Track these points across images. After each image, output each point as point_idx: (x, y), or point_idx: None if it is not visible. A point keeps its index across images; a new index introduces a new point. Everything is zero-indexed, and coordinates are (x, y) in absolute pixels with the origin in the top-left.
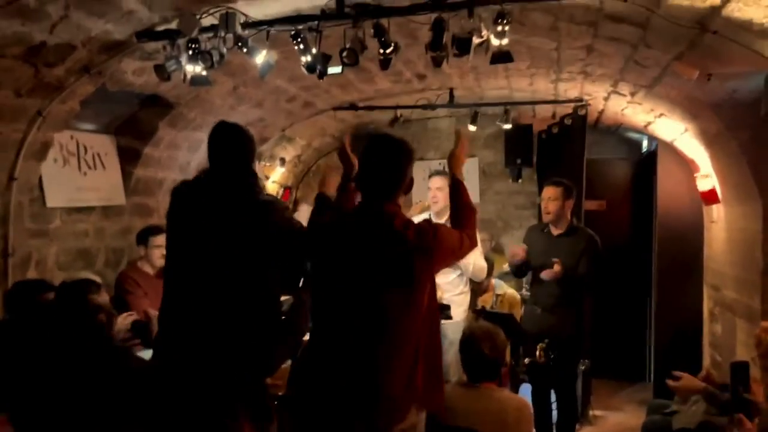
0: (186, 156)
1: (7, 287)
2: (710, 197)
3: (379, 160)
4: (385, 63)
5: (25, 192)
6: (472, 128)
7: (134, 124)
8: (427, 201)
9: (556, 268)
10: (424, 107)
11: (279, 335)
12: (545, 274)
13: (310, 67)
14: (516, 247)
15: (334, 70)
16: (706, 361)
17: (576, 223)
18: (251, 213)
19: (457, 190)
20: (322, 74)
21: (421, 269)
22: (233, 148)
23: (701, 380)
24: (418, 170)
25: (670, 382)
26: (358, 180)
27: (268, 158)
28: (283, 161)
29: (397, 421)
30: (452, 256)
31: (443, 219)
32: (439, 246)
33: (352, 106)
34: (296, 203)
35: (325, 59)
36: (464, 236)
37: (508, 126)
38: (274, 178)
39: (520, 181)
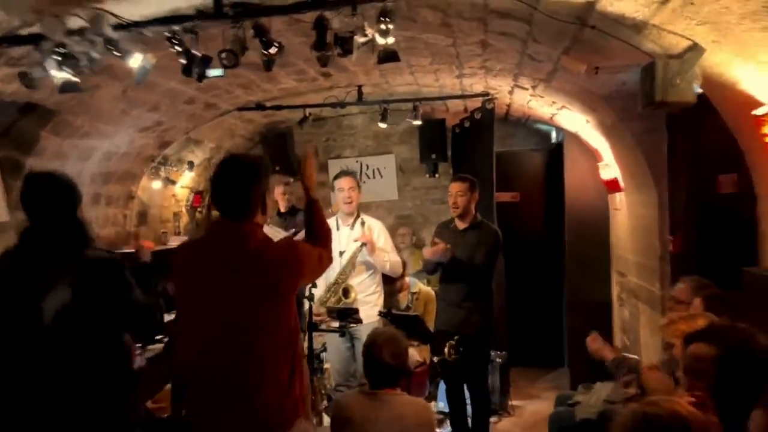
0: (76, 166)
1: None
2: (613, 186)
3: (226, 181)
4: (267, 64)
5: None
6: (382, 125)
7: (14, 134)
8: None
9: (440, 246)
10: (332, 105)
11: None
12: (427, 252)
13: (187, 70)
14: (440, 245)
15: (215, 72)
16: (617, 345)
17: (480, 217)
18: (81, 276)
19: (312, 208)
20: (201, 77)
21: (284, 285)
22: (51, 202)
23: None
24: (335, 168)
25: (589, 340)
26: (212, 200)
27: (175, 162)
28: (191, 165)
29: (285, 429)
30: (315, 272)
31: (351, 220)
32: (301, 262)
33: (259, 106)
34: (209, 208)
35: (204, 61)
36: (323, 255)
37: (418, 122)
38: (182, 183)
39: (436, 175)
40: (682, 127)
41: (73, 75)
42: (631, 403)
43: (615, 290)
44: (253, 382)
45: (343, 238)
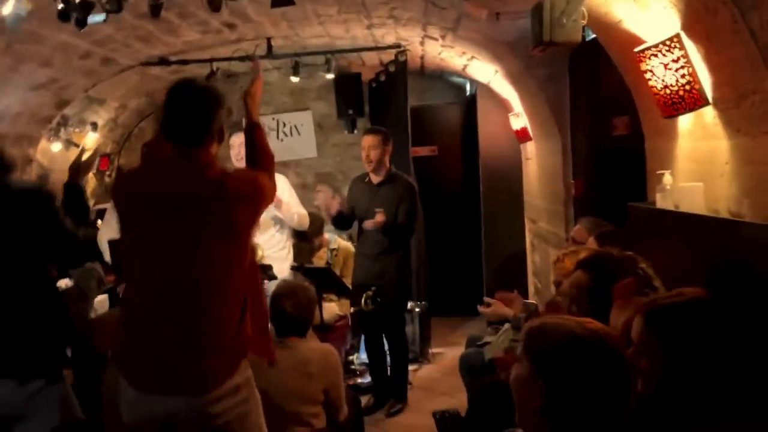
0: None
1: None
2: (523, 135)
3: (184, 103)
4: (155, 9)
5: None
6: (294, 79)
7: None
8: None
9: (378, 218)
10: (241, 59)
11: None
12: (367, 224)
13: (63, 15)
14: (328, 200)
15: (97, 18)
16: (531, 289)
17: (394, 170)
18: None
19: (252, 132)
20: (81, 23)
21: (244, 218)
22: None
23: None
24: None
25: (483, 309)
26: (164, 128)
27: (77, 123)
28: (95, 126)
29: (230, 373)
30: (268, 202)
31: None
32: (261, 192)
33: (162, 61)
34: (119, 171)
35: (84, 5)
36: (271, 180)
37: (331, 76)
38: (87, 145)
39: (355, 131)
40: (582, 72)
41: None
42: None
43: (528, 237)
44: (201, 328)
45: None
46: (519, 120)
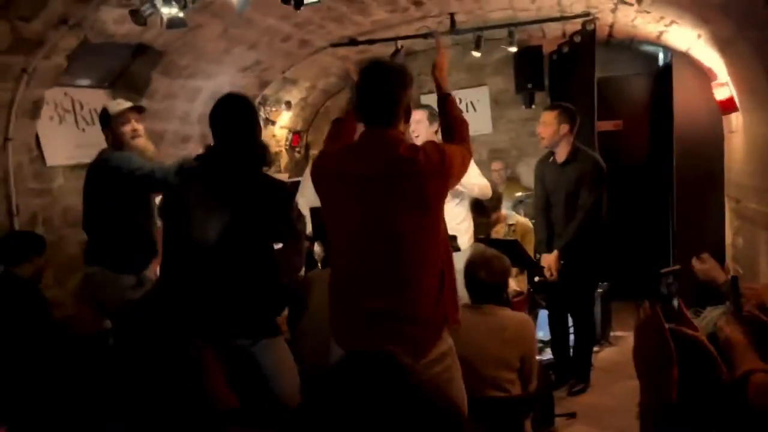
0: (184, 106)
1: None
2: (728, 106)
3: (374, 86)
4: None
5: (23, 152)
6: (476, 54)
7: (128, 76)
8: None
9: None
10: (424, 36)
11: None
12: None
13: None
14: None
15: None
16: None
17: (578, 145)
18: (255, 196)
19: (445, 103)
20: (299, 4)
21: (435, 191)
22: (239, 121)
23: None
24: (427, 103)
25: (696, 262)
26: (358, 109)
27: (274, 103)
28: (289, 105)
29: (434, 342)
30: (461, 173)
31: None
32: (450, 166)
33: (351, 41)
34: (307, 148)
35: None
36: (464, 150)
37: (513, 49)
38: (281, 123)
39: (533, 106)
40: None
41: (179, 10)
42: None
43: (728, 217)
44: (406, 296)
45: None
46: (724, 89)
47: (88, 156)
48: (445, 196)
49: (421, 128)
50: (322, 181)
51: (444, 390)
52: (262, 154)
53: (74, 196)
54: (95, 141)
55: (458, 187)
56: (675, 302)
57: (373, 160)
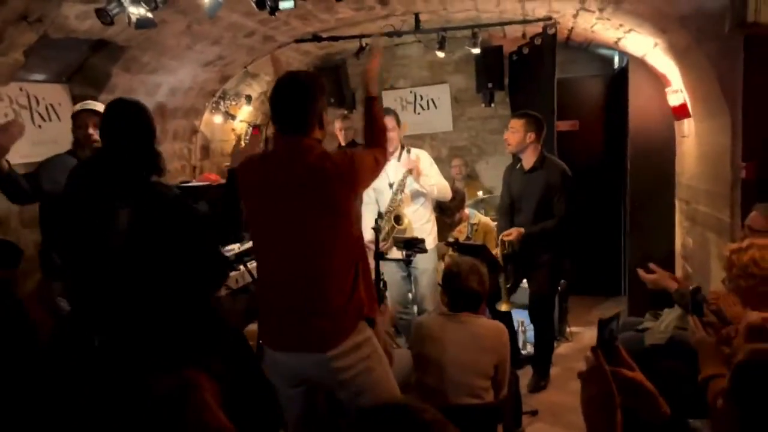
0: (144, 101)
1: None
2: (681, 112)
3: (285, 96)
4: None
5: None
6: (440, 54)
7: (87, 71)
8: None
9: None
10: (389, 34)
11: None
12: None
13: (260, 3)
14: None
15: (287, 4)
16: (679, 273)
17: (545, 154)
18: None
19: (370, 105)
20: (273, 9)
21: (343, 195)
22: (128, 127)
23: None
24: (389, 99)
25: (643, 273)
26: (272, 118)
27: (233, 97)
28: (249, 99)
29: (347, 333)
30: (373, 177)
31: (397, 153)
32: (357, 171)
33: (315, 38)
34: (266, 142)
35: None
36: (377, 155)
37: (476, 50)
38: (241, 117)
39: (492, 105)
40: (760, 51)
41: (148, 10)
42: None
43: (678, 218)
44: (317, 292)
45: (391, 170)
46: (677, 96)
47: (44, 154)
48: (354, 198)
49: (394, 135)
50: (244, 189)
51: (364, 377)
52: (154, 162)
53: None
54: (52, 137)
55: (417, 188)
56: (616, 345)
57: (285, 167)
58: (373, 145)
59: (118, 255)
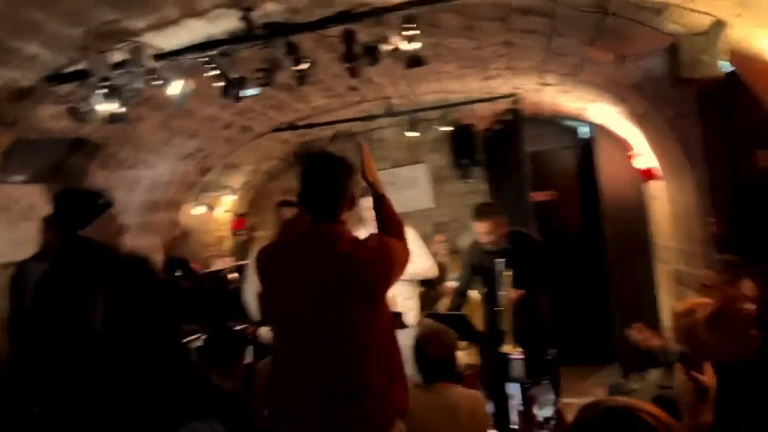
0: (123, 196)
1: None
2: (647, 175)
3: (317, 179)
4: (301, 79)
5: None
6: (411, 134)
7: (65, 170)
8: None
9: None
10: (362, 119)
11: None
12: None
13: (225, 92)
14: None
15: (251, 92)
16: (666, 334)
17: (512, 229)
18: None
19: (381, 203)
20: (238, 98)
21: (380, 284)
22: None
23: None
24: None
25: (632, 334)
26: (301, 200)
27: (216, 188)
28: (231, 189)
29: (385, 429)
30: (403, 267)
31: None
32: (394, 260)
33: (291, 126)
34: (252, 230)
35: (239, 82)
36: (405, 247)
37: (447, 129)
38: (225, 208)
39: (470, 181)
40: (714, 108)
41: (120, 106)
42: None
43: (659, 279)
44: (347, 390)
45: None
46: (643, 159)
47: (21, 254)
48: (389, 286)
49: (369, 214)
50: (267, 274)
51: None
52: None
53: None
54: (29, 237)
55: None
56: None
57: (313, 254)
58: (395, 238)
59: (97, 334)
